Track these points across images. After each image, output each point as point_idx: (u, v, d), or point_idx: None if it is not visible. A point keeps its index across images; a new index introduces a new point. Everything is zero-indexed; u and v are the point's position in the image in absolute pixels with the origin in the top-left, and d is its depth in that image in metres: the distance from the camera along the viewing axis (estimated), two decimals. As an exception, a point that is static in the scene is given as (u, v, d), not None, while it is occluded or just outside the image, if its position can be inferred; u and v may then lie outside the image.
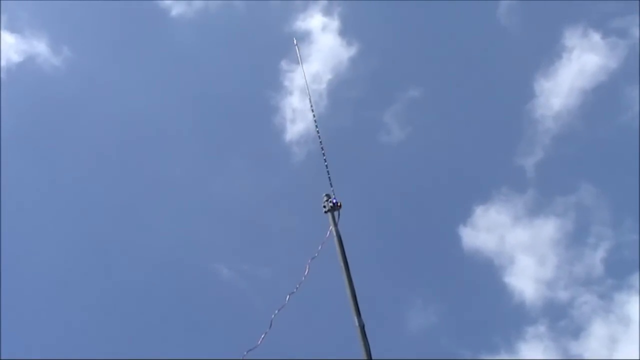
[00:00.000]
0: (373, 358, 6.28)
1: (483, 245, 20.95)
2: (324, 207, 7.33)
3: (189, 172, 22.97)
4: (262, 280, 20.20)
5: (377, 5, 23.58)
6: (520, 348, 18.81)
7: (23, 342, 18.16)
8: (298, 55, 9.30)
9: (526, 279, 20.19)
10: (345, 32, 23.25)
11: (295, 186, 22.49)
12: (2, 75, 21.43)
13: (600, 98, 21.63)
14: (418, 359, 17.65)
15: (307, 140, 21.62)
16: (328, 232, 7.18)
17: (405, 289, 20.36)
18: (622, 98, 21.38)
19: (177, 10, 23.63)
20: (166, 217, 21.71)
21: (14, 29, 23.07)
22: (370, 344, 6.34)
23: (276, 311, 7.03)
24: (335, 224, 7.19)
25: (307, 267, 7.17)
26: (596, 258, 19.71)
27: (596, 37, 21.94)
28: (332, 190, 7.48)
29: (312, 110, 8.23)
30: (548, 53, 22.75)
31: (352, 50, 23.12)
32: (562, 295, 19.65)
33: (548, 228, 20.79)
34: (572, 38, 22.20)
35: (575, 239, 20.40)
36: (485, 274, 20.45)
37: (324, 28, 23.25)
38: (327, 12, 23.89)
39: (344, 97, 23.34)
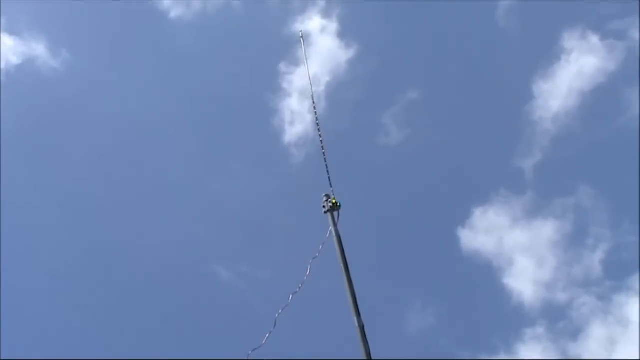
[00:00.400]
0: (373, 358, 6.30)
1: (482, 246, 20.98)
2: (324, 207, 7.35)
3: (188, 174, 22.99)
4: (261, 282, 20.23)
5: (375, 7, 23.65)
6: (519, 349, 18.83)
7: (23, 342, 18.18)
8: (303, 47, 9.25)
9: (525, 280, 20.22)
10: (344, 34, 23.32)
11: (293, 188, 22.52)
12: (1, 78, 21.50)
13: (599, 100, 21.71)
14: (418, 359, 17.69)
15: (305, 142, 21.67)
16: (328, 233, 7.19)
17: (404, 290, 20.38)
18: (621, 100, 21.46)
19: (175, 12, 23.70)
20: (166, 219, 21.74)
21: (13, 31, 23.16)
22: (369, 345, 6.36)
23: (280, 311, 7.04)
24: (335, 224, 7.21)
25: (309, 267, 7.18)
26: (595, 259, 19.75)
27: (594, 39, 22.03)
28: (332, 191, 7.50)
29: (314, 104, 8.21)
30: (546, 55, 22.84)
31: (350, 52, 23.18)
32: (561, 296, 19.68)
33: (547, 230, 20.84)
34: (570, 40, 22.28)
35: (574, 241, 20.45)
36: (484, 275, 20.50)
37: (323, 30, 23.31)
38: (325, 14, 23.95)
39: (343, 98, 23.38)
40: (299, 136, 22.04)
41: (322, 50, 23.20)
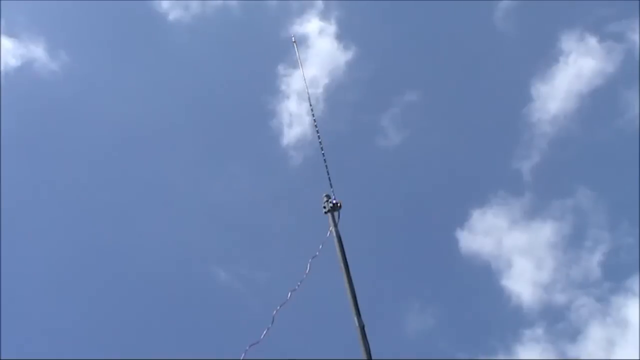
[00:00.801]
0: (373, 359, 6.30)
1: (480, 248, 21.02)
2: (324, 207, 7.35)
3: (187, 176, 23.00)
4: (260, 284, 20.24)
5: (374, 8, 23.71)
6: (518, 350, 18.86)
7: (23, 342, 18.16)
8: (297, 53, 9.32)
9: (523, 282, 20.26)
10: (342, 36, 23.38)
11: (292, 190, 22.55)
12: (0, 80, 21.47)
13: (597, 102, 21.78)
14: (418, 359, 17.70)
15: (304, 144, 21.70)
16: (328, 233, 7.19)
17: (403, 292, 20.40)
18: (619, 102, 21.53)
19: (174, 14, 23.74)
20: (164, 221, 21.73)
21: (11, 34, 23.15)
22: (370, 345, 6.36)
23: (278, 307, 7.00)
24: (336, 225, 7.21)
25: (308, 265, 7.17)
26: (593, 261, 19.80)
27: (593, 41, 22.11)
28: (332, 191, 7.51)
29: (311, 108, 8.26)
30: (545, 57, 22.92)
31: (349, 54, 23.24)
32: (560, 298, 19.71)
33: (545, 231, 20.89)
34: (568, 42, 22.35)
35: (573, 242, 20.49)
36: (483, 277, 20.53)
37: (321, 32, 23.36)
38: (324, 16, 23.98)
39: (341, 101, 23.44)
40: (298, 138, 22.11)
41: (320, 52, 23.30)
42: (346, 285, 6.75)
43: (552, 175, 21.80)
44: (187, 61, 24.01)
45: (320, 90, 22.31)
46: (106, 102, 22.86)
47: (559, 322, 19.24)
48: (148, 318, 19.65)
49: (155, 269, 20.50)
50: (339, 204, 7.30)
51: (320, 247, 7.19)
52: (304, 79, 8.72)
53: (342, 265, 6.90)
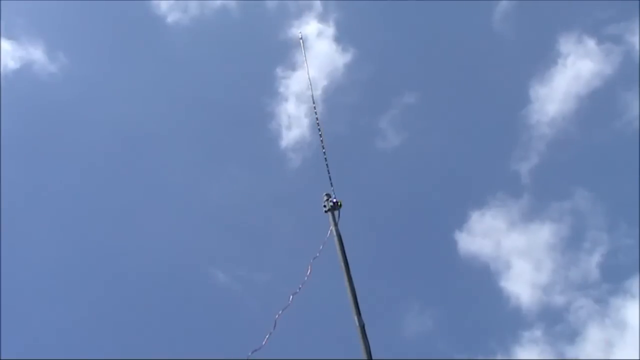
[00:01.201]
0: (373, 358, 6.30)
1: (479, 250, 21.02)
2: (324, 206, 7.36)
3: (186, 177, 22.99)
4: (259, 285, 20.22)
5: (372, 10, 23.75)
6: (517, 352, 18.85)
7: (23, 342, 18.15)
8: (302, 48, 9.31)
9: (522, 283, 20.26)
10: (341, 37, 23.40)
11: (291, 192, 22.54)
12: (-1, 82, 21.47)
13: (595, 104, 21.82)
14: (418, 359, 17.71)
15: (303, 146, 21.72)
16: (329, 232, 7.20)
17: (402, 294, 20.39)
18: (617, 104, 21.58)
19: (172, 17, 23.75)
20: (164, 223, 21.72)
21: (10, 36, 23.14)
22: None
23: (280, 312, 7.01)
24: (336, 224, 7.22)
25: (310, 266, 7.17)
26: (592, 263, 19.81)
27: (591, 43, 22.16)
28: (332, 190, 7.52)
29: (314, 104, 8.24)
30: (543, 59, 22.94)
31: (347, 56, 23.26)
32: (558, 299, 19.72)
33: (544, 233, 20.90)
34: (567, 44, 22.41)
35: (571, 244, 20.50)
36: (482, 278, 20.52)
37: (320, 34, 23.37)
38: (322, 18, 23.98)
39: (340, 103, 23.45)
40: (296, 140, 22.12)
41: (319, 54, 23.28)
42: (346, 284, 6.76)
43: (551, 177, 21.87)
44: (186, 63, 24.08)
45: (319, 92, 22.26)
46: (105, 104, 22.95)
47: (557, 324, 19.27)
48: (147, 319, 19.65)
49: (155, 270, 20.51)
50: (339, 203, 7.31)
51: (321, 247, 7.20)
52: (308, 74, 8.72)
53: (342, 264, 6.91)
